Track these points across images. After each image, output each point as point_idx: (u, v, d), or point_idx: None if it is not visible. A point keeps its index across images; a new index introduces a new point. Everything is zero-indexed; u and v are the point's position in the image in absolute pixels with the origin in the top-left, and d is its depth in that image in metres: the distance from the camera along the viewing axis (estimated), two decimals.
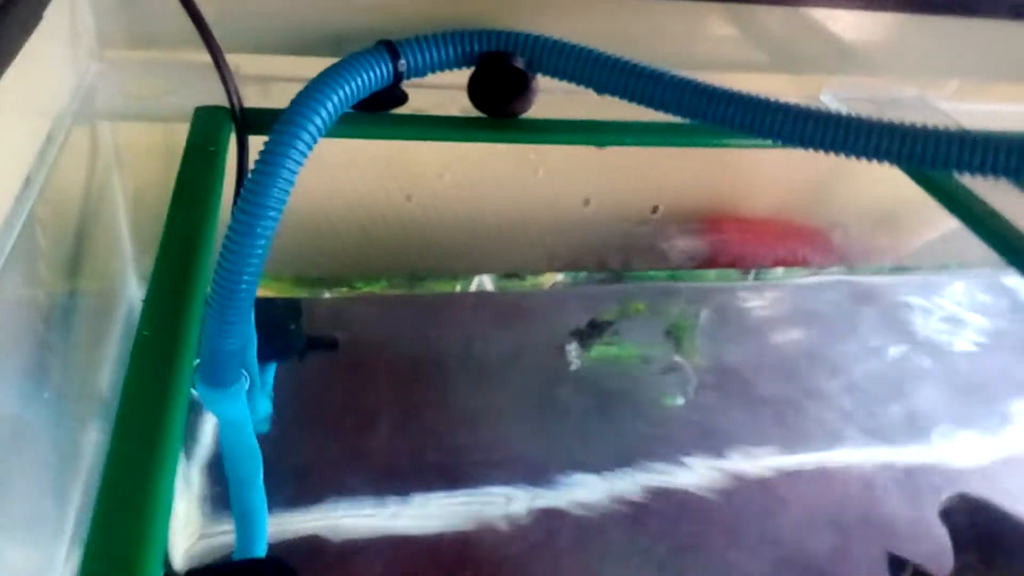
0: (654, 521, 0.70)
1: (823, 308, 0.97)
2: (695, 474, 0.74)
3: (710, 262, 0.92)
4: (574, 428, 0.77)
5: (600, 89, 0.58)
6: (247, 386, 0.58)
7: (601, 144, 0.74)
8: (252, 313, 0.54)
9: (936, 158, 0.53)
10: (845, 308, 0.97)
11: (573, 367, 0.82)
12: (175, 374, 0.37)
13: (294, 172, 0.49)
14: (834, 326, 0.94)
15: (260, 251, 0.49)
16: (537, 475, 0.72)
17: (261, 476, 0.63)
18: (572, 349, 0.84)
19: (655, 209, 0.88)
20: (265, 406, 0.70)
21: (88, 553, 0.31)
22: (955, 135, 0.53)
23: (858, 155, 0.54)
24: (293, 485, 0.68)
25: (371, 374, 0.78)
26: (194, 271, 0.45)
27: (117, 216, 0.69)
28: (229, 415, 0.59)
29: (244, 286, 0.50)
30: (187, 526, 0.67)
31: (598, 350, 0.84)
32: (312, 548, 0.64)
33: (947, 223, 0.93)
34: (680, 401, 0.81)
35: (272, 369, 0.72)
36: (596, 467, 0.73)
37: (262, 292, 0.77)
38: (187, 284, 0.43)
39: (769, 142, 0.55)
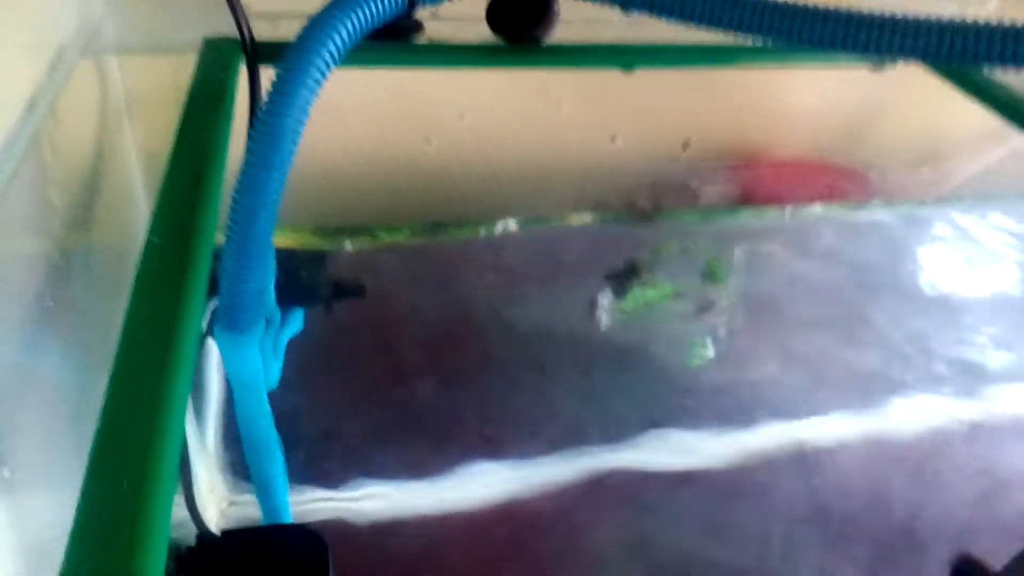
0: (699, 481, 0.67)
1: (866, 242, 0.93)
2: (736, 436, 0.71)
3: (744, 201, 0.89)
4: (609, 386, 0.74)
5: (627, 5, 0.54)
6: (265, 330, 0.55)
7: (628, 66, 0.70)
8: (271, 253, 0.51)
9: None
10: (890, 241, 0.94)
11: (605, 318, 0.79)
12: (179, 316, 0.34)
13: (309, 100, 0.47)
14: (879, 260, 0.91)
15: (277, 184, 0.46)
16: (574, 438, 0.69)
17: (277, 443, 0.60)
18: (604, 297, 0.80)
19: (686, 145, 0.84)
20: (275, 369, 0.68)
21: (86, 491, 0.28)
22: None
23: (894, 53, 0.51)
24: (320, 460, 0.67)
25: (398, 330, 0.76)
26: (200, 204, 0.42)
27: (128, 160, 0.67)
28: (243, 369, 0.56)
29: (262, 222, 0.47)
30: (212, 492, 0.65)
31: (633, 297, 0.81)
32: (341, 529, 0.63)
33: (985, 158, 0.89)
34: (711, 355, 0.78)
35: (299, 318, 0.69)
36: (633, 427, 0.71)
37: (283, 243, 0.75)
38: (192, 216, 0.40)
39: (802, 57, 0.51)
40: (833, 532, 0.65)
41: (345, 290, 0.72)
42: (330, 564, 0.47)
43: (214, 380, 0.70)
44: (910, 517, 0.66)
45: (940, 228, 0.96)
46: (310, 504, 0.64)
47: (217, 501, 0.65)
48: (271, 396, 0.63)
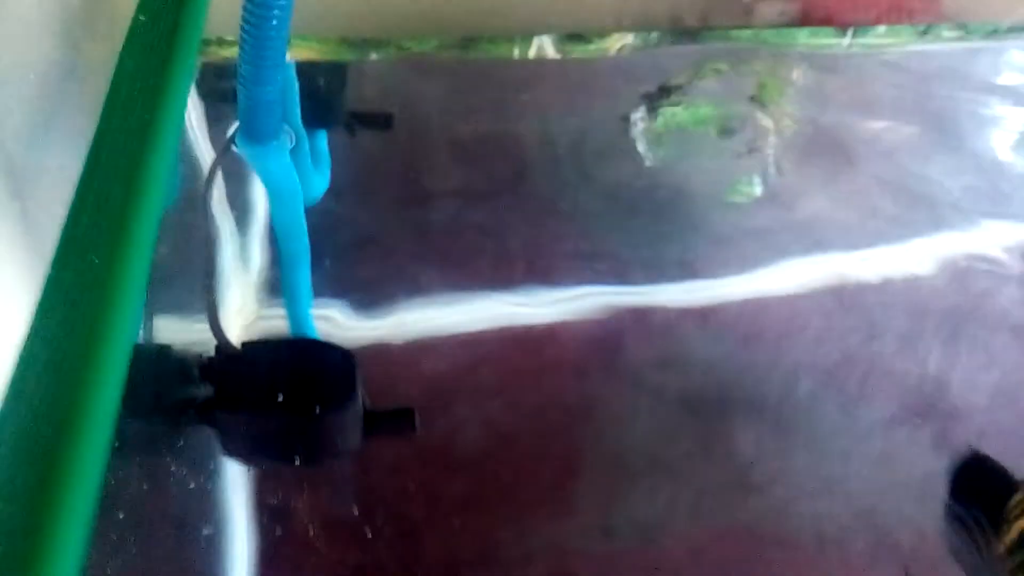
0: (723, 317, 0.66)
1: (937, 72, 0.86)
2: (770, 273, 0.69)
3: (803, 21, 0.82)
4: (645, 220, 0.71)
5: None
6: (292, 145, 0.54)
7: None
8: (286, 58, 0.49)
9: None
10: (962, 71, 0.87)
11: (642, 143, 0.75)
12: (163, 91, 0.31)
13: None
14: (950, 95, 0.84)
15: None
16: (609, 271, 0.67)
17: (307, 255, 0.60)
18: (639, 119, 0.76)
19: None
20: (321, 182, 0.66)
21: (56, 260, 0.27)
22: None
23: None
24: (352, 274, 0.67)
25: (426, 151, 0.73)
26: None
27: None
28: (275, 178, 0.54)
29: (275, 21, 0.44)
30: (243, 308, 0.65)
31: (664, 117, 0.77)
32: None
33: None
34: (759, 189, 0.74)
35: (323, 138, 0.66)
36: (668, 263, 0.68)
37: (306, 54, 0.72)
38: None
39: None
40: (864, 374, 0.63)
41: (370, 120, 0.68)
42: (354, 369, 0.47)
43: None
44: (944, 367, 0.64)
45: (1017, 56, 0.88)
46: (343, 321, 0.64)
47: (244, 318, 0.65)
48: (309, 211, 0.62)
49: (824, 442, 0.59)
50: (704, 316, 0.66)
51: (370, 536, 0.53)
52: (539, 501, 0.57)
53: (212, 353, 0.48)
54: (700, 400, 0.61)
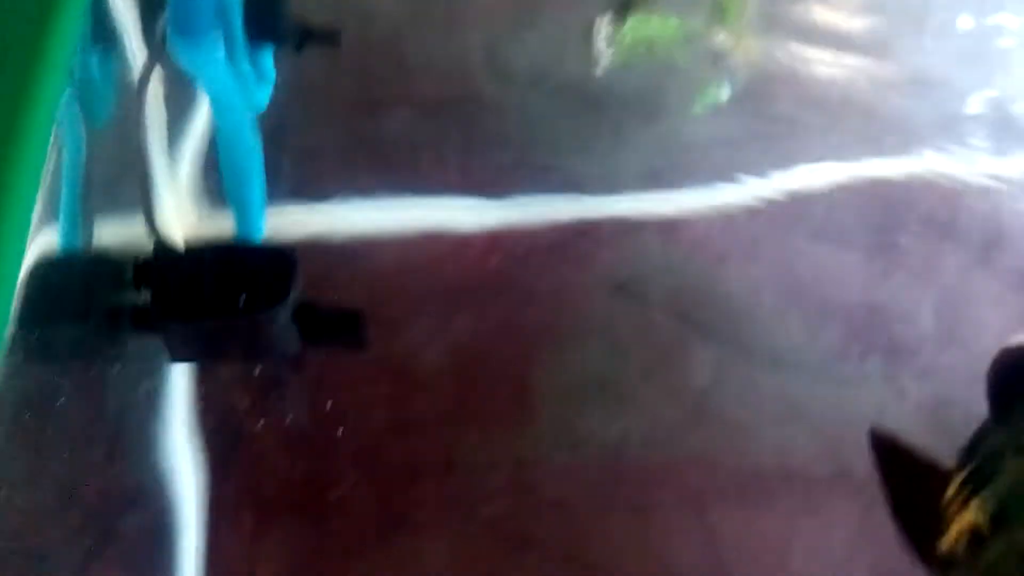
0: (690, 233, 0.65)
1: None
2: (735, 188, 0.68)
3: None
4: (605, 130, 0.70)
5: None
6: (229, 47, 0.52)
7: None
8: None
9: None
10: None
11: (606, 55, 0.74)
12: None
13: None
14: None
15: None
16: (568, 182, 0.66)
17: (259, 159, 0.58)
18: (603, 28, 0.74)
19: None
20: (261, 96, 0.64)
21: None
22: None
23: None
24: (298, 177, 0.65)
25: (375, 62, 0.71)
26: None
27: None
28: (210, 77, 0.52)
29: None
30: (186, 210, 0.64)
31: (632, 28, 0.75)
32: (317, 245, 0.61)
33: None
34: (725, 95, 0.72)
35: (268, 53, 0.64)
36: (626, 178, 0.67)
37: None
38: None
39: None
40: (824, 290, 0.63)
41: (317, 35, 0.65)
42: (293, 269, 0.46)
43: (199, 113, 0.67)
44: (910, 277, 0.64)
45: None
46: (288, 220, 0.62)
47: (185, 221, 0.64)
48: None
49: (789, 365, 0.60)
50: (666, 230, 0.65)
51: (318, 442, 0.53)
52: (495, 412, 0.57)
53: (150, 256, 0.47)
54: (661, 316, 0.61)
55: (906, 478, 0.50)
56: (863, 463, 0.54)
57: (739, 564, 0.51)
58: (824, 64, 0.76)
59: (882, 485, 0.50)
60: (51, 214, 0.49)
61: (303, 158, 0.65)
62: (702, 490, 0.54)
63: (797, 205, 0.67)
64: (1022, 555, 0.38)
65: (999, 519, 0.39)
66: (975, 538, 0.40)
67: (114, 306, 0.43)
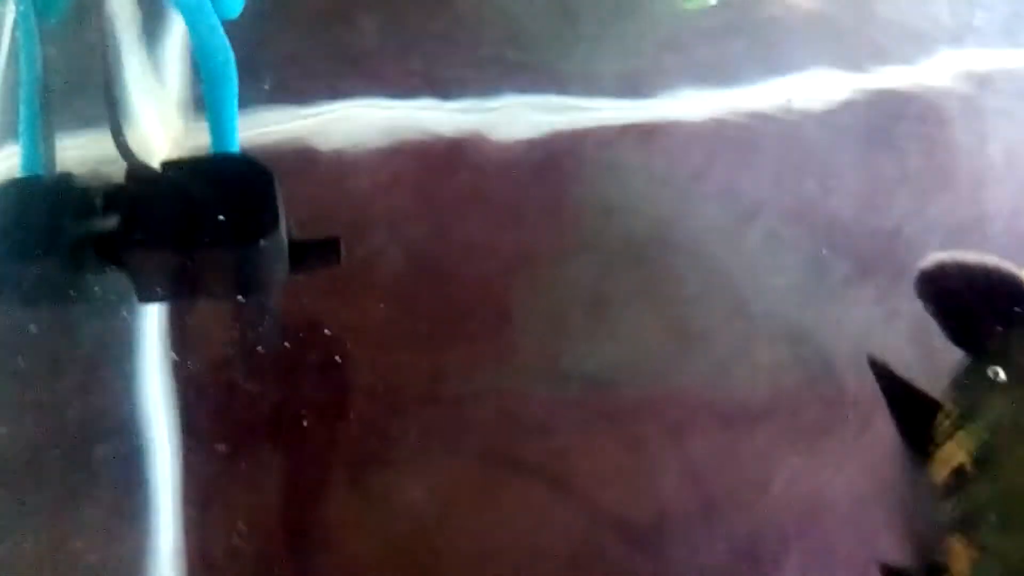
0: (672, 143, 0.63)
1: None
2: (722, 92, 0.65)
3: None
4: (585, 28, 0.67)
5: None
6: None
7: None
8: None
9: None
10: None
11: None
12: None
13: None
14: None
15: None
16: (549, 84, 0.63)
17: (231, 69, 0.55)
18: None
19: None
20: (234, 4, 0.60)
21: None
22: None
23: None
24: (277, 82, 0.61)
25: None
26: None
27: None
28: None
29: None
30: (166, 129, 0.61)
31: None
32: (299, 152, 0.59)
33: None
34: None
35: None
36: (606, 80, 0.64)
37: None
38: None
39: None
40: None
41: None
42: (277, 192, 0.44)
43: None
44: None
45: None
46: (262, 128, 0.60)
47: (171, 134, 0.61)
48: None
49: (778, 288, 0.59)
50: (647, 139, 0.63)
51: (295, 371, 0.53)
52: (475, 339, 0.56)
53: (121, 179, 0.44)
54: (643, 238, 0.60)
55: (904, 405, 0.50)
56: (852, 386, 0.54)
57: (721, 492, 0.52)
58: None
59: (889, 410, 0.50)
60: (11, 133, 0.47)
61: (273, 66, 0.62)
62: (685, 419, 0.54)
63: (791, 115, 0.65)
64: (1004, 502, 0.38)
65: (981, 459, 0.40)
66: (958, 474, 0.41)
67: (83, 237, 0.41)
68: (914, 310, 0.56)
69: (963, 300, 0.47)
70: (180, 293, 0.43)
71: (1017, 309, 0.43)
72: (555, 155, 0.62)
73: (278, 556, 0.49)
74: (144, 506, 0.49)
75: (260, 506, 0.50)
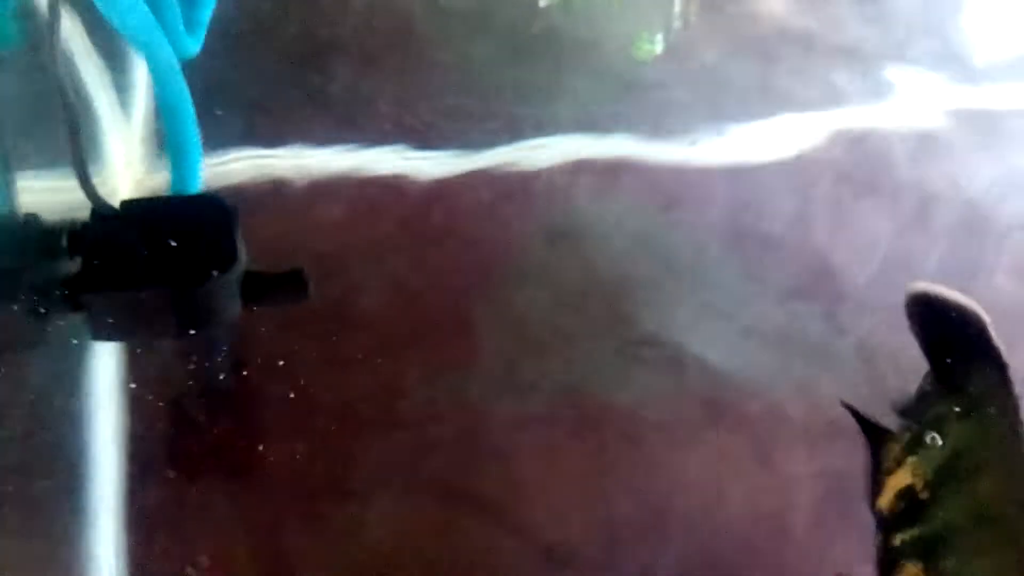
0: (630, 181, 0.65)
1: None
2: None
3: None
4: (543, 75, 0.69)
5: None
6: None
7: None
8: None
9: None
10: None
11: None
12: None
13: None
14: None
15: None
16: (507, 132, 0.66)
17: (188, 107, 0.56)
18: None
19: None
20: (191, 44, 0.61)
21: None
22: None
23: None
24: (237, 126, 0.63)
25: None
26: None
27: None
28: (127, 21, 0.49)
29: None
30: (129, 167, 0.62)
31: None
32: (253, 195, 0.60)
33: None
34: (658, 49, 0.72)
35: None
36: (565, 124, 0.67)
37: None
38: None
39: None
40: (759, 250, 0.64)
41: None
42: (236, 229, 0.45)
43: None
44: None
45: None
46: (225, 169, 0.61)
47: (134, 175, 0.62)
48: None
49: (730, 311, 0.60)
50: (607, 177, 0.65)
51: (251, 401, 0.53)
52: (438, 357, 0.57)
53: (86, 219, 0.45)
54: (601, 269, 0.62)
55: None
56: (800, 404, 0.56)
57: (677, 508, 0.53)
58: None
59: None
60: None
61: (243, 108, 0.64)
62: (642, 433, 0.55)
63: (739, 156, 0.68)
64: (965, 528, 0.38)
65: (937, 484, 0.39)
66: (911, 500, 0.40)
67: (47, 281, 0.41)
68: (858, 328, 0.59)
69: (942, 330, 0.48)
70: (132, 331, 0.43)
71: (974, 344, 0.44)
72: (517, 192, 0.64)
73: None
74: (87, 538, 0.48)
75: (217, 538, 0.49)
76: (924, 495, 0.40)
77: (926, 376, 0.45)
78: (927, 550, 0.38)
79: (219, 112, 0.61)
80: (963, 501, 0.38)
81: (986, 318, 0.43)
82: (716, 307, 0.61)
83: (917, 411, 0.44)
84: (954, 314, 0.44)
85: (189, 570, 0.48)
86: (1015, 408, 0.39)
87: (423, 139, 0.64)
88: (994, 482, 0.38)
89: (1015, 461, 0.39)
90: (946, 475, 0.39)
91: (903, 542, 0.40)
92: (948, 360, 0.44)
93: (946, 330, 0.45)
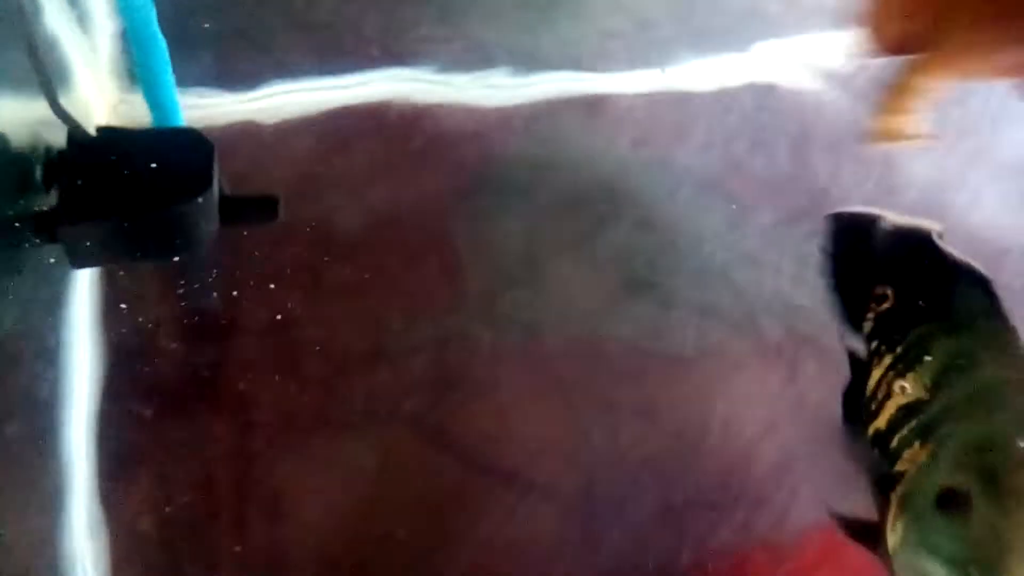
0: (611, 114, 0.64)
1: None
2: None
3: None
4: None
5: None
6: None
7: None
8: None
9: None
10: None
11: None
12: None
13: None
14: None
15: None
16: (492, 58, 0.65)
17: (159, 40, 0.54)
18: None
19: None
20: None
21: None
22: None
23: None
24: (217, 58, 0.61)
25: None
26: None
27: None
28: None
29: None
30: (101, 93, 0.60)
31: None
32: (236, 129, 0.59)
33: None
34: None
35: None
36: (549, 56, 0.66)
37: None
38: None
39: None
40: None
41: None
42: (213, 158, 0.44)
43: None
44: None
45: None
46: (207, 102, 0.60)
47: (108, 101, 0.60)
48: None
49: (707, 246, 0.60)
50: (588, 111, 0.65)
51: (230, 329, 0.52)
52: (420, 288, 0.57)
53: (62, 147, 0.43)
54: (581, 201, 0.61)
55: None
56: (780, 334, 0.57)
57: (654, 443, 0.54)
58: None
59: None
60: None
61: (220, 38, 0.62)
62: (622, 371, 0.55)
63: (720, 94, 0.67)
64: (964, 405, 0.39)
65: (935, 386, 0.40)
66: (911, 410, 0.41)
67: (23, 214, 0.40)
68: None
69: (860, 250, 0.48)
70: (113, 258, 0.43)
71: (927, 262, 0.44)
72: (500, 124, 0.63)
73: (220, 524, 0.48)
74: (59, 480, 0.47)
75: (199, 473, 0.49)
76: (925, 397, 0.41)
77: (878, 299, 0.45)
78: (925, 431, 0.39)
79: (191, 44, 0.60)
80: (963, 387, 0.39)
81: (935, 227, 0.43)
82: (700, 239, 0.61)
83: (883, 333, 0.45)
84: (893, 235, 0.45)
85: (168, 508, 0.47)
86: (1005, 318, 0.40)
87: (406, 65, 0.63)
88: (994, 369, 0.39)
89: (1014, 351, 0.39)
90: (945, 377, 0.40)
91: (902, 439, 0.41)
92: (916, 282, 0.44)
93: (892, 251, 0.45)
